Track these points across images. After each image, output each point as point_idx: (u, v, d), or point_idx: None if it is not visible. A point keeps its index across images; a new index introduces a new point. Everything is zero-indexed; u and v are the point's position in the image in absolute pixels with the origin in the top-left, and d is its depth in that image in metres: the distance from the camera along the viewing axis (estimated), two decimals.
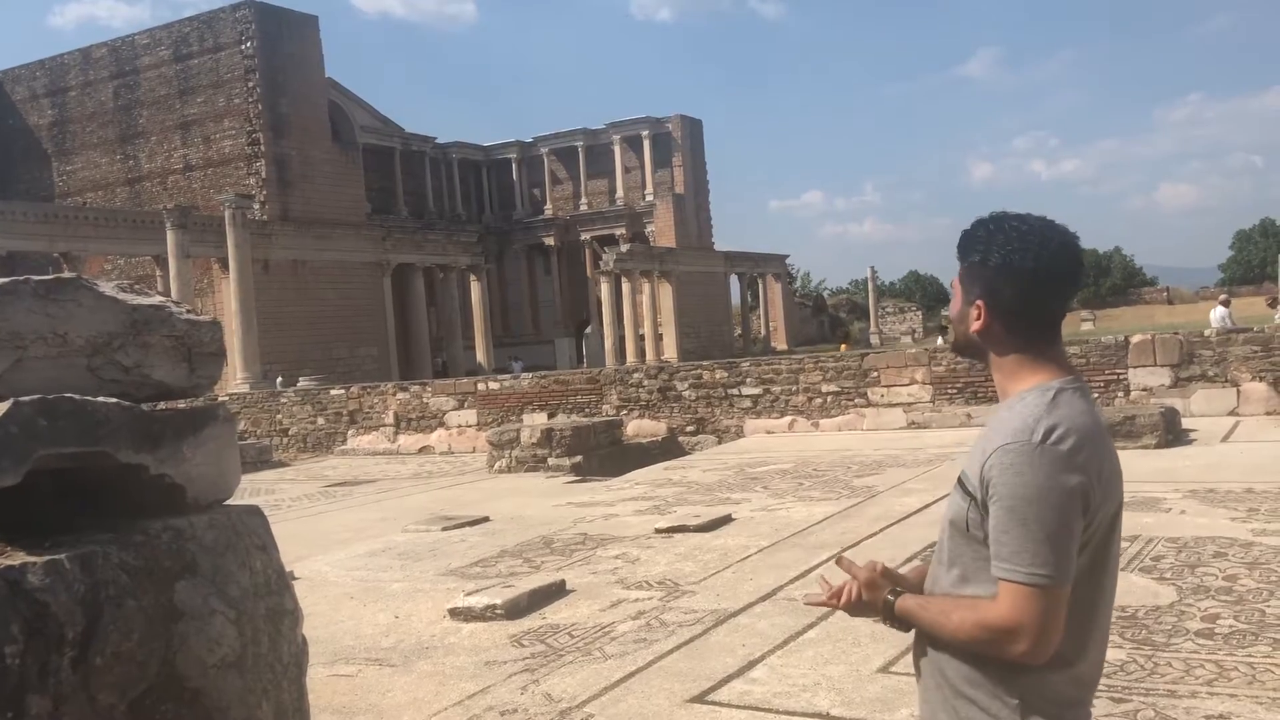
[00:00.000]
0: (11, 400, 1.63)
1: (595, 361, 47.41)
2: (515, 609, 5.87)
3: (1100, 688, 4.14)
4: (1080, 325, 61.30)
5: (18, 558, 1.60)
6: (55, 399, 1.67)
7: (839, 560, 1.90)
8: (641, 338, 46.65)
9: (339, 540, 9.25)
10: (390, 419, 19.79)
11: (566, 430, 14.38)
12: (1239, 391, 13.43)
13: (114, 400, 1.77)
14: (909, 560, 6.30)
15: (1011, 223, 1.78)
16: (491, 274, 52.36)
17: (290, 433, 21.13)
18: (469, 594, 6.20)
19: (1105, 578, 1.76)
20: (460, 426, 18.92)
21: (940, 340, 42.20)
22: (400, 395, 19.87)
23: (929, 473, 10.55)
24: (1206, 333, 14.28)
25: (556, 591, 6.31)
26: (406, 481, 14.37)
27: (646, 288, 47.24)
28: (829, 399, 15.81)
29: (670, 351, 45.31)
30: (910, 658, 1.95)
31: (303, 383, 25.50)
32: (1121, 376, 14.04)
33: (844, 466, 11.52)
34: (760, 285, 60.94)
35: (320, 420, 20.82)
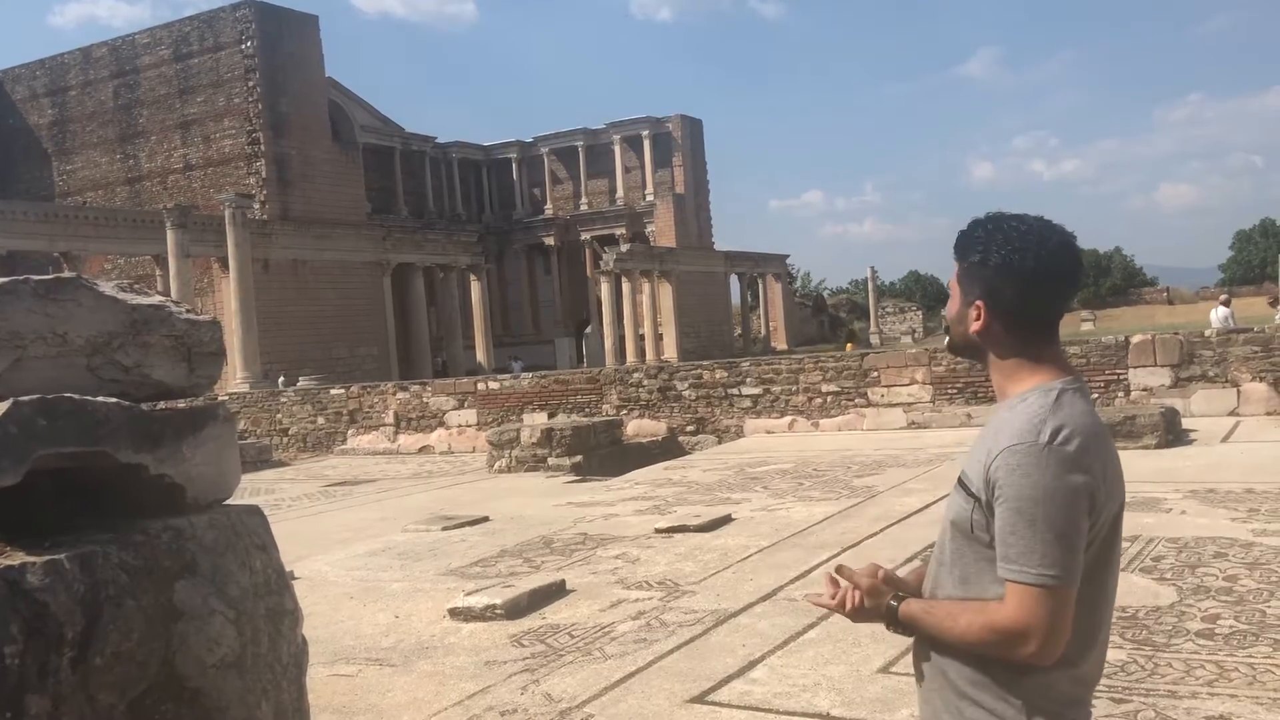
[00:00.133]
0: (11, 400, 1.62)
1: (595, 361, 47.41)
2: (515, 609, 5.87)
3: (1100, 688, 4.14)
4: (1080, 325, 61.30)
5: (17, 557, 1.60)
6: (55, 399, 1.66)
7: (839, 569, 1.89)
8: (641, 337, 46.65)
9: (339, 540, 9.24)
10: (390, 419, 19.79)
11: (566, 430, 14.38)
12: (1239, 392, 13.43)
13: (114, 400, 1.77)
14: (909, 560, 6.30)
15: (1010, 223, 1.77)
16: (491, 274, 52.35)
17: (290, 432, 21.14)
18: (469, 594, 6.20)
19: (1108, 577, 1.76)
20: (460, 426, 18.92)
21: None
22: (400, 395, 19.87)
23: (929, 473, 10.55)
24: (1207, 333, 14.28)
25: (556, 591, 6.31)
26: (406, 481, 14.36)
27: (646, 287, 47.25)
28: (829, 399, 15.80)
29: (670, 351, 45.31)
30: (910, 658, 1.95)
31: (303, 382, 25.51)
32: (1122, 376, 14.04)
33: (844, 466, 11.51)
34: (760, 285, 60.93)
35: (320, 420, 20.82)
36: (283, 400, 21.81)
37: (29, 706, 1.52)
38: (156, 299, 2.03)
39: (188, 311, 2.06)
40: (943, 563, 1.80)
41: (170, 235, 30.00)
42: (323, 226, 39.39)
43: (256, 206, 38.25)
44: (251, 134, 39.56)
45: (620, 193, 58.37)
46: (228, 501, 2.02)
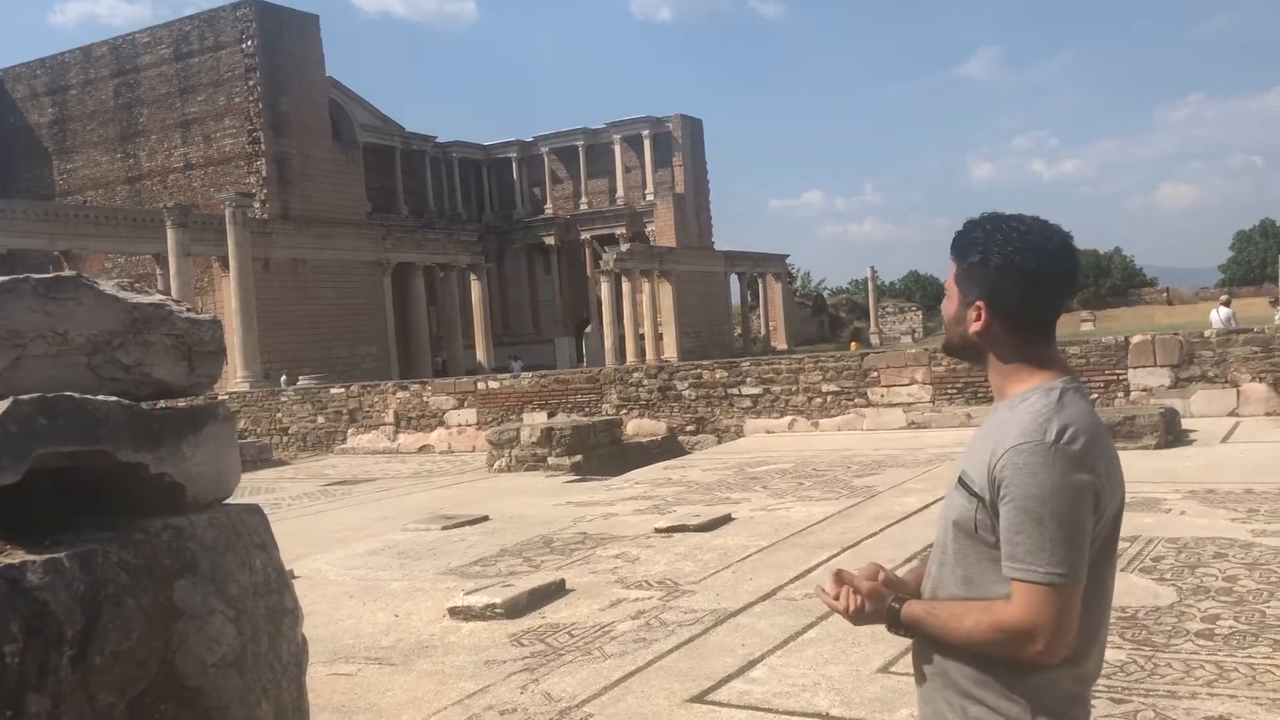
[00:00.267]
0: (11, 399, 1.62)
1: (595, 361, 47.41)
2: (515, 608, 5.87)
3: (1100, 688, 4.14)
4: (1080, 325, 61.31)
5: (17, 556, 1.60)
6: (55, 397, 1.66)
7: (838, 573, 1.89)
8: (641, 337, 46.65)
9: (339, 539, 9.25)
10: (390, 418, 19.79)
11: (566, 429, 14.38)
12: (1239, 392, 13.43)
13: (114, 399, 1.77)
14: (909, 560, 6.30)
15: (1010, 223, 1.78)
16: (491, 273, 52.34)
17: (290, 431, 21.14)
18: (468, 593, 6.20)
19: (1108, 576, 1.77)
20: (460, 425, 18.92)
21: None
22: (400, 394, 19.87)
23: (929, 473, 10.55)
24: (1207, 333, 14.28)
25: (556, 591, 6.31)
26: (406, 480, 14.36)
27: (646, 287, 47.25)
28: (829, 399, 15.80)
29: (670, 351, 45.31)
30: (909, 658, 1.95)
31: (303, 381, 25.51)
32: (1121, 377, 14.04)
33: (844, 466, 11.51)
34: (760, 285, 60.93)
35: (320, 419, 20.82)
36: (283, 399, 21.81)
37: (29, 705, 1.53)
38: (157, 298, 2.03)
39: (188, 310, 2.06)
40: (944, 563, 1.80)
41: (170, 234, 30.00)
42: (323, 226, 39.39)
43: (257, 206, 38.25)
44: (252, 133, 39.56)
45: (620, 192, 58.37)
46: (228, 500, 2.02)
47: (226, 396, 22.34)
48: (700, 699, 4.37)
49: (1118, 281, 79.67)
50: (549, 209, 60.01)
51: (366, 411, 20.18)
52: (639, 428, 17.09)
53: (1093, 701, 1.84)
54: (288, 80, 40.21)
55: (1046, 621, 1.63)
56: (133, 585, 1.69)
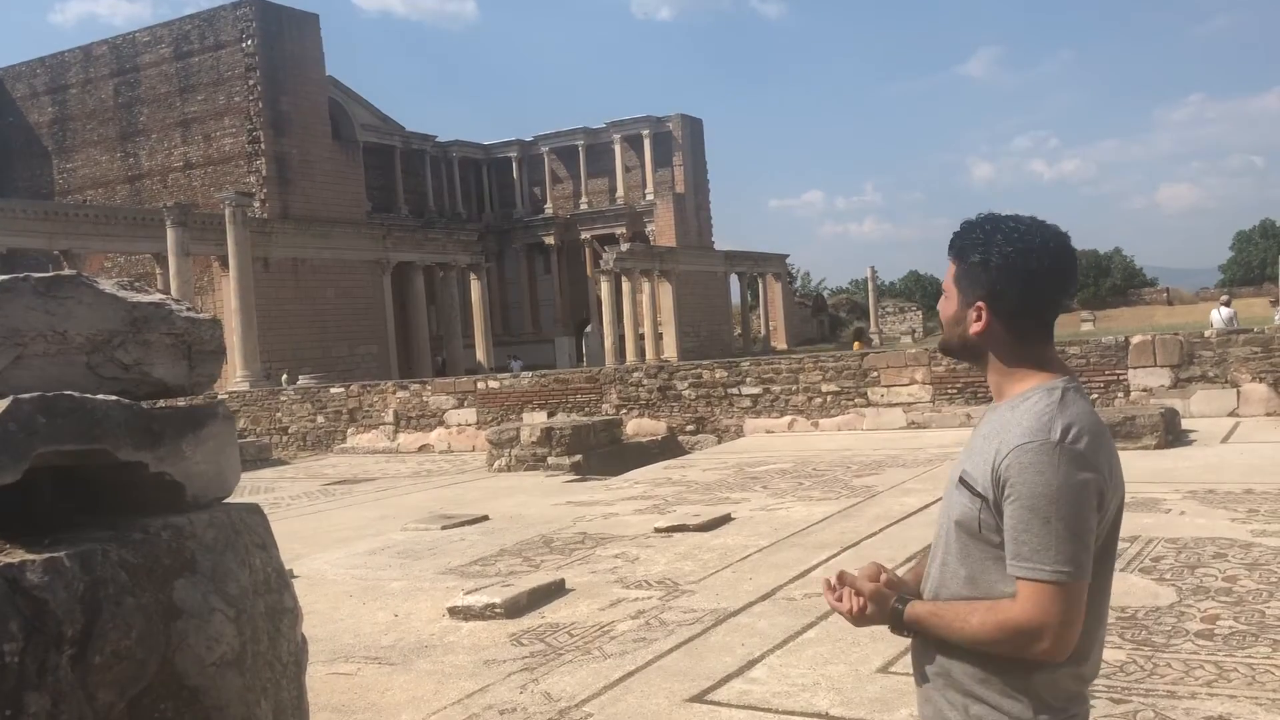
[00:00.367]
0: (11, 398, 1.62)
1: (595, 360, 47.41)
2: (515, 608, 5.87)
3: (1100, 688, 4.14)
4: (1080, 325, 61.31)
5: (17, 555, 1.60)
6: (54, 396, 1.66)
7: (841, 575, 1.89)
8: (641, 337, 46.64)
9: (338, 539, 9.25)
10: (390, 417, 19.79)
11: (566, 429, 14.38)
12: (1239, 392, 13.43)
13: (113, 398, 1.77)
14: (909, 560, 6.30)
15: (1008, 224, 1.78)
16: (491, 273, 52.36)
17: (290, 431, 21.13)
18: (468, 593, 6.20)
19: (1108, 574, 1.78)
20: (460, 425, 18.92)
21: None
22: (400, 394, 19.87)
23: (929, 473, 10.55)
24: (1207, 333, 14.28)
25: (556, 590, 6.31)
26: (406, 480, 14.36)
27: (646, 287, 47.24)
28: (829, 399, 15.80)
29: (670, 351, 45.31)
30: (909, 658, 1.95)
31: (302, 381, 25.51)
32: (1121, 377, 14.04)
33: (844, 466, 11.51)
34: (760, 285, 60.92)
35: (320, 418, 20.82)
36: (282, 399, 21.81)
37: (28, 704, 1.52)
38: (156, 297, 2.03)
39: (188, 309, 2.06)
40: (947, 563, 1.80)
41: (170, 233, 30.00)
42: (323, 225, 39.40)
43: (256, 205, 38.25)
44: (252, 132, 39.56)
45: (620, 192, 58.38)
46: (227, 500, 2.02)
47: (226, 396, 22.35)
48: (700, 699, 4.37)
49: (1118, 281, 79.65)
50: (549, 209, 60.02)
51: (366, 411, 20.18)
52: (639, 427, 17.09)
53: (1092, 701, 1.85)
54: (288, 79, 40.22)
55: (1053, 619, 1.64)
56: (132, 584, 1.69)
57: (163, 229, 30.39)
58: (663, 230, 55.42)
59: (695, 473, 11.92)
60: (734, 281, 59.06)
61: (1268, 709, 3.85)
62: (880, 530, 7.79)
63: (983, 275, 1.78)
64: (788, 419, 16.06)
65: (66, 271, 1.95)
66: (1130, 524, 6.48)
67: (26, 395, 1.63)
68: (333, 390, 21.21)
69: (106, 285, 1.96)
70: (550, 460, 13.97)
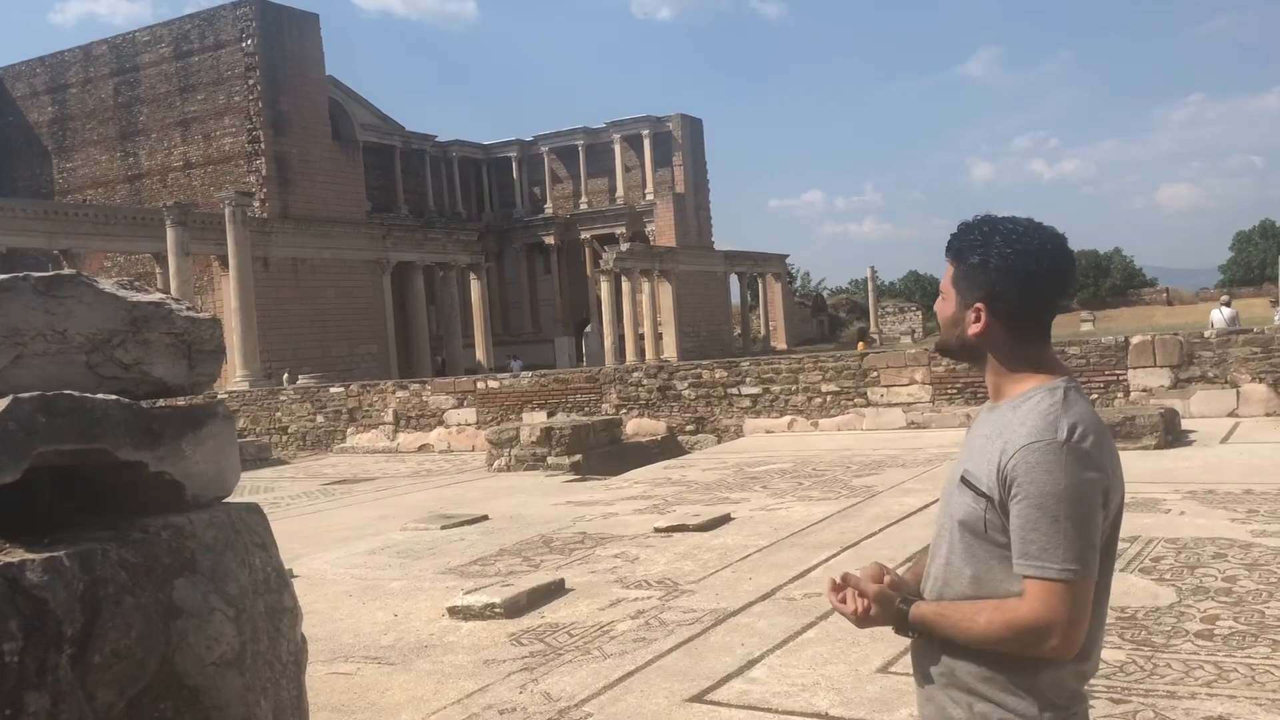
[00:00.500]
0: (11, 397, 1.62)
1: (594, 360, 47.40)
2: (514, 608, 5.87)
3: (1100, 688, 4.14)
4: (1080, 325, 61.31)
5: (17, 555, 1.60)
6: (54, 396, 1.66)
7: (845, 576, 1.89)
8: (641, 337, 46.64)
9: (338, 538, 9.25)
10: (390, 417, 19.79)
11: (566, 429, 14.38)
12: (1239, 393, 13.44)
13: (113, 397, 1.77)
14: (908, 560, 6.30)
15: (1006, 225, 1.80)
16: (491, 272, 52.35)
17: (289, 430, 21.13)
18: (468, 592, 6.20)
19: (1109, 572, 1.79)
20: (459, 425, 18.91)
21: None
22: (400, 393, 19.87)
23: (928, 473, 10.55)
24: (1206, 334, 14.28)
25: (555, 590, 6.31)
26: (405, 480, 14.36)
27: (646, 287, 47.24)
28: (828, 399, 15.81)
29: (670, 351, 45.30)
30: (909, 658, 1.95)
31: (302, 380, 25.50)
32: (1121, 377, 14.04)
33: (843, 466, 11.52)
34: (760, 285, 60.92)
35: (319, 418, 20.82)
36: (282, 398, 21.81)
37: (28, 704, 1.52)
38: (156, 296, 2.03)
39: (188, 309, 2.06)
40: (951, 563, 1.80)
41: (170, 233, 29.99)
42: (323, 225, 39.39)
43: (256, 204, 38.24)
44: (251, 132, 39.56)
45: (620, 192, 58.37)
46: (227, 499, 2.02)
47: (226, 395, 22.34)
48: (699, 698, 4.37)
49: (1117, 282, 79.65)
50: (549, 208, 60.01)
51: (366, 411, 20.18)
52: (638, 427, 17.09)
53: (1092, 701, 1.85)
54: (287, 79, 40.21)
55: (1061, 617, 1.65)
56: (132, 584, 1.69)
57: (162, 229, 30.39)
58: (662, 230, 55.42)
59: (695, 473, 11.93)
60: (734, 281, 59.07)
61: (1267, 709, 3.85)
62: (880, 530, 7.79)
63: (981, 277, 1.79)
64: (787, 419, 16.06)
65: (66, 271, 1.95)
66: (1130, 524, 6.47)
67: (26, 394, 1.63)
68: (332, 390, 21.21)
69: (106, 285, 1.96)
70: (550, 460, 13.97)
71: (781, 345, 55.21)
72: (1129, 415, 11.57)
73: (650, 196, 57.33)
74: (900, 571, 1.97)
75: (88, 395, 1.72)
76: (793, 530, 7.97)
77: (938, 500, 2.03)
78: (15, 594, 1.54)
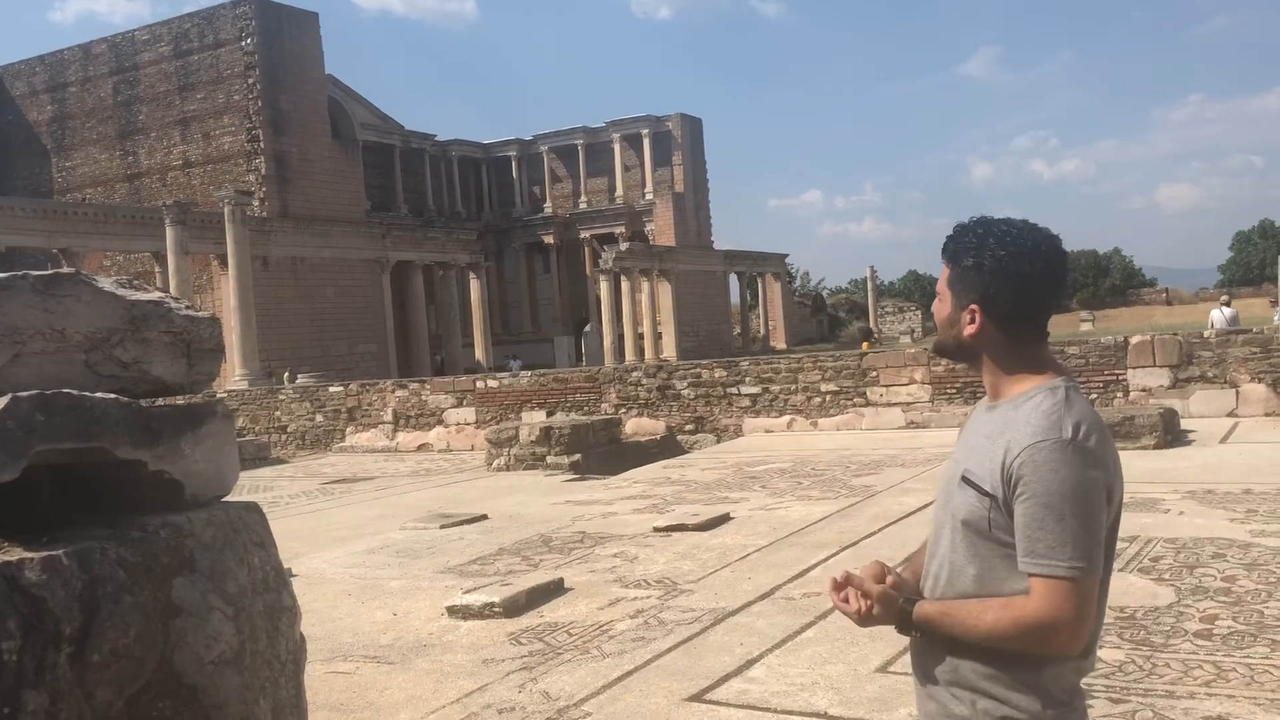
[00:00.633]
0: (9, 396, 1.62)
1: (594, 360, 47.40)
2: (513, 607, 5.87)
3: (1099, 688, 4.14)
4: (1079, 325, 61.33)
5: (15, 553, 1.60)
6: (53, 394, 1.66)
7: (848, 577, 1.89)
8: (640, 336, 46.64)
9: (337, 537, 9.25)
10: (389, 416, 19.78)
11: (565, 428, 14.38)
12: (1238, 393, 13.44)
13: (112, 396, 1.77)
14: (907, 559, 6.30)
15: (1000, 227, 1.82)
16: (490, 272, 52.34)
17: (289, 430, 21.13)
18: (467, 592, 6.20)
19: (1108, 570, 1.80)
20: (459, 424, 18.91)
21: None
22: (399, 393, 19.87)
23: (927, 472, 10.56)
24: (1206, 334, 14.29)
25: (555, 590, 6.31)
26: (405, 479, 14.36)
27: (645, 286, 47.24)
28: (828, 398, 15.81)
29: (669, 350, 45.30)
30: (908, 657, 1.95)
31: (301, 379, 25.50)
32: (1121, 377, 14.04)
33: (843, 466, 11.52)
34: (759, 284, 60.92)
35: (319, 417, 20.82)
36: (281, 397, 21.80)
37: (26, 703, 1.52)
38: (155, 295, 2.03)
39: (187, 308, 2.06)
40: (954, 562, 1.81)
41: (169, 232, 29.98)
42: (322, 224, 39.39)
43: (256, 203, 38.23)
44: (251, 131, 39.55)
45: (620, 191, 58.38)
46: (226, 498, 2.02)
47: (225, 394, 22.34)
48: (698, 698, 4.37)
49: (1117, 282, 79.67)
50: (548, 208, 60.00)
51: (365, 410, 20.18)
52: (638, 427, 17.09)
53: (1091, 701, 1.86)
54: (287, 78, 40.21)
55: (1068, 615, 1.66)
56: (131, 583, 1.68)
57: (162, 227, 30.38)
58: (662, 230, 55.42)
59: (694, 472, 11.92)
60: (733, 281, 59.07)
61: (1266, 709, 3.85)
62: (879, 530, 7.79)
63: (976, 279, 1.81)
64: (787, 418, 16.07)
65: (65, 270, 1.95)
66: (1129, 524, 6.47)
67: (25, 393, 1.63)
68: (331, 389, 21.21)
69: (105, 283, 1.96)
70: (549, 459, 13.97)
71: (781, 345, 55.21)
72: (1128, 415, 11.58)
73: (650, 196, 57.33)
74: (899, 570, 1.97)
75: (86, 394, 1.72)
76: (792, 530, 7.97)
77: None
78: (14, 592, 1.54)
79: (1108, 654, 4.44)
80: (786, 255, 64.29)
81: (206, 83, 41.15)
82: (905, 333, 64.55)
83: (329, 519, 10.71)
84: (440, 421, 19.15)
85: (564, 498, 10.79)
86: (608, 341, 46.72)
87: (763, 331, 59.50)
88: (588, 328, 55.69)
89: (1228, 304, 21.36)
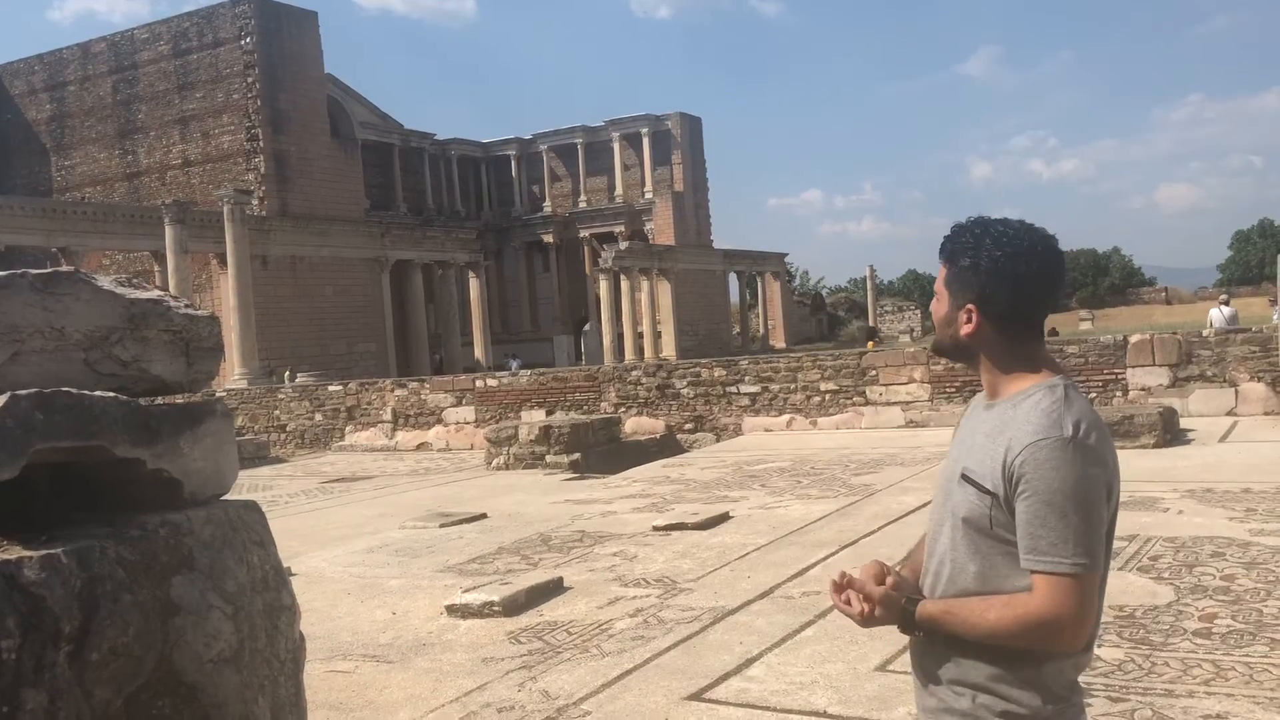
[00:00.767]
0: (9, 394, 1.62)
1: (593, 359, 47.39)
2: (513, 606, 5.87)
3: (1098, 687, 4.14)
4: (1079, 324, 61.34)
5: (14, 552, 1.60)
6: (52, 393, 1.66)
7: (847, 579, 1.90)
8: (640, 335, 46.63)
9: (337, 536, 9.24)
10: (388, 415, 19.78)
11: (565, 427, 14.38)
12: (1237, 391, 13.44)
13: (111, 394, 1.77)
14: (907, 558, 6.29)
15: (997, 227, 1.83)
16: (490, 271, 52.32)
17: (288, 428, 21.12)
18: (466, 591, 6.20)
19: (1108, 566, 1.81)
20: (458, 423, 18.91)
21: None
22: (398, 392, 19.86)
23: (927, 471, 10.55)
24: (1205, 333, 14.29)
25: (554, 589, 6.31)
26: (404, 478, 14.36)
27: (645, 285, 47.23)
28: (827, 397, 15.81)
29: (669, 349, 45.29)
30: (907, 656, 1.95)
31: (301, 378, 25.49)
32: (1120, 376, 14.04)
33: (842, 465, 11.52)
34: (759, 283, 60.91)
35: (318, 416, 20.82)
36: (280, 396, 21.80)
37: (25, 701, 1.52)
38: (155, 293, 2.03)
39: (186, 306, 2.06)
40: (955, 560, 1.81)
41: (169, 231, 29.97)
42: (321, 223, 39.37)
43: (255, 203, 38.21)
44: (250, 130, 39.54)
45: (619, 190, 58.36)
46: (225, 497, 2.02)
47: (224, 393, 22.33)
48: (698, 697, 4.37)
49: (1116, 281, 79.67)
50: (548, 207, 59.98)
51: (364, 409, 20.17)
52: (637, 426, 17.09)
53: (1090, 700, 1.86)
54: (286, 77, 40.19)
55: (1071, 611, 1.67)
56: (130, 581, 1.68)
57: (161, 226, 30.36)
58: (661, 229, 55.41)
59: (694, 471, 11.93)
60: (733, 280, 59.06)
61: (1265, 708, 3.85)
62: (879, 529, 7.79)
63: (973, 279, 1.82)
64: (786, 417, 16.07)
65: (64, 268, 1.95)
66: (1128, 523, 6.48)
67: (24, 391, 1.63)
68: (331, 388, 21.20)
69: (104, 282, 1.96)
70: (548, 458, 13.97)
71: (780, 344, 55.21)
72: (1128, 414, 11.58)
73: (649, 195, 57.32)
74: (898, 569, 1.98)
75: (85, 392, 1.72)
76: (791, 529, 7.97)
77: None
78: (13, 591, 1.54)
79: (1107, 653, 4.44)
80: (786, 254, 64.36)
81: (206, 82, 41.13)
82: (904, 332, 64.57)
83: (328, 518, 10.71)
84: (439, 420, 19.15)
85: (563, 497, 10.79)
86: (607, 340, 46.71)
87: (762, 330, 59.49)
88: (587, 327, 55.68)
89: (1227, 303, 21.36)
